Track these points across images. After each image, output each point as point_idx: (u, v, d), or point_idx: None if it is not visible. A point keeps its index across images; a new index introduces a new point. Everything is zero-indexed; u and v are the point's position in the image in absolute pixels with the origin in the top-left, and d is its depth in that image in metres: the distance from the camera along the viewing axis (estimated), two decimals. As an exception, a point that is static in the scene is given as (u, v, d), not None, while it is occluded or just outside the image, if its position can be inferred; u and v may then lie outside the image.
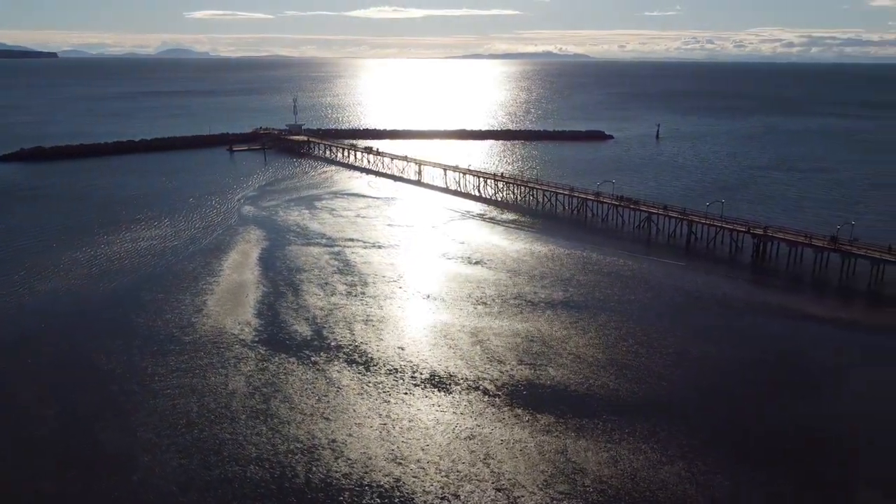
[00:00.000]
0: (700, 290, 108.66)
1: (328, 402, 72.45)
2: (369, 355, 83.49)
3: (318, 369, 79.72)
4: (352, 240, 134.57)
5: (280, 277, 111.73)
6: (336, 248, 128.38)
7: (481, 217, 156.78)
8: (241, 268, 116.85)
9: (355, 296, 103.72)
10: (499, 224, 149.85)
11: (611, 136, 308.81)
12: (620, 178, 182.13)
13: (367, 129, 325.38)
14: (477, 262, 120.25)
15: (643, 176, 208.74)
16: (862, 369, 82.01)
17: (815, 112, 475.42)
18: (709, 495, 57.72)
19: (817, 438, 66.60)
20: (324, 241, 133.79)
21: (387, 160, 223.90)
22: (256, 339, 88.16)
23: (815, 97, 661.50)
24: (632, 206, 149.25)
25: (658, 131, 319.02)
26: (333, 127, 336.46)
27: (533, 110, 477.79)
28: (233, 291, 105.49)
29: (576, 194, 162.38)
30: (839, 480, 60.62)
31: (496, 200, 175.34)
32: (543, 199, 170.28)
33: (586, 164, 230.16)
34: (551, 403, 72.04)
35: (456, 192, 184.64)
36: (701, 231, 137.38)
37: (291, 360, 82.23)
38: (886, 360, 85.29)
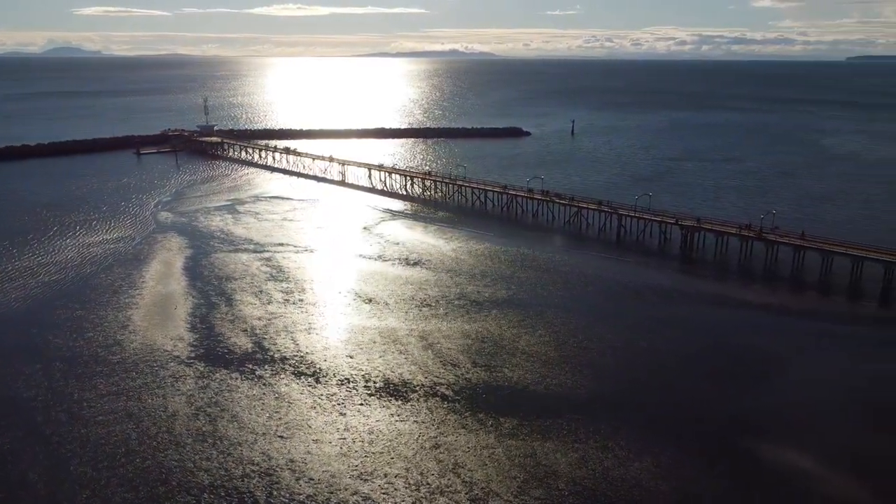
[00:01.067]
0: (637, 283, 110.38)
1: (280, 418, 68.42)
2: (317, 366, 79.72)
3: (264, 384, 75.35)
4: (281, 244, 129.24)
5: (210, 287, 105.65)
6: (266, 254, 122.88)
7: (412, 217, 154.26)
8: (165, 278, 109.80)
9: (293, 303, 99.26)
10: (431, 223, 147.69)
11: (528, 133, 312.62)
12: (543, 174, 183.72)
13: (282, 129, 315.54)
14: (415, 263, 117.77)
15: (565, 171, 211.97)
16: (799, 355, 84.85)
17: (714, 106, 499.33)
18: (680, 489, 57.87)
19: (772, 428, 68.12)
20: (252, 246, 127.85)
21: (308, 161, 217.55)
22: (192, 354, 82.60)
23: (711, 93, 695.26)
24: (562, 202, 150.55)
25: (573, 127, 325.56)
26: (247, 127, 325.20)
27: (448, 108, 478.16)
28: (160, 304, 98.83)
29: (508, 191, 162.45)
30: (797, 467, 62.08)
31: (424, 199, 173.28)
32: (472, 197, 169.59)
33: (508, 161, 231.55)
34: (512, 405, 70.77)
35: (382, 192, 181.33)
36: (630, 224, 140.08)
37: (234, 375, 77.39)
38: (819, 344, 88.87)
